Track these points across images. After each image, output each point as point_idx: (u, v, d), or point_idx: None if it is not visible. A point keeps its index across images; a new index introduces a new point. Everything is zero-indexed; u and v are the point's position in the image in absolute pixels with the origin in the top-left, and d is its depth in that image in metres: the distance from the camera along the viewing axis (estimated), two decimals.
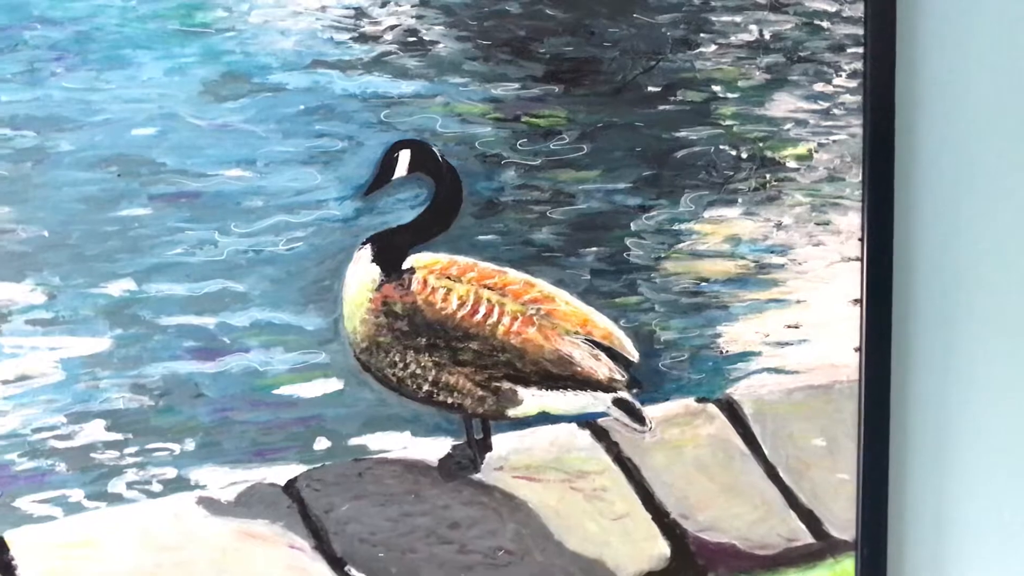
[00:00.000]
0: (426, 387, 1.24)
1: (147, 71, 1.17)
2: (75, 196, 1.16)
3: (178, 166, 1.18)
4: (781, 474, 1.31)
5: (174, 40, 1.17)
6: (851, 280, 1.31)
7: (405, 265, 1.23)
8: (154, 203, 1.18)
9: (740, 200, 1.29)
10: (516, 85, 1.24)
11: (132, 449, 1.18)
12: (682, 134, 1.27)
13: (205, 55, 1.18)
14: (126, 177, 1.17)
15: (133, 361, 1.18)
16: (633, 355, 1.27)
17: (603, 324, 1.26)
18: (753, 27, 1.28)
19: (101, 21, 1.16)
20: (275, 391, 1.21)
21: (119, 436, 1.18)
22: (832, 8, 1.30)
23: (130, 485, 1.18)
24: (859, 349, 1.31)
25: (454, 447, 1.25)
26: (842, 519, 1.33)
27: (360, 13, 1.22)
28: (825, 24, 1.29)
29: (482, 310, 1.23)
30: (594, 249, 1.27)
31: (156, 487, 1.19)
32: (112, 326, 1.18)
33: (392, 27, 1.22)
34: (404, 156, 1.21)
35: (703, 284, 1.29)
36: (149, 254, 1.18)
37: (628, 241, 1.27)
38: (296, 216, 1.21)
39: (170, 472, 1.19)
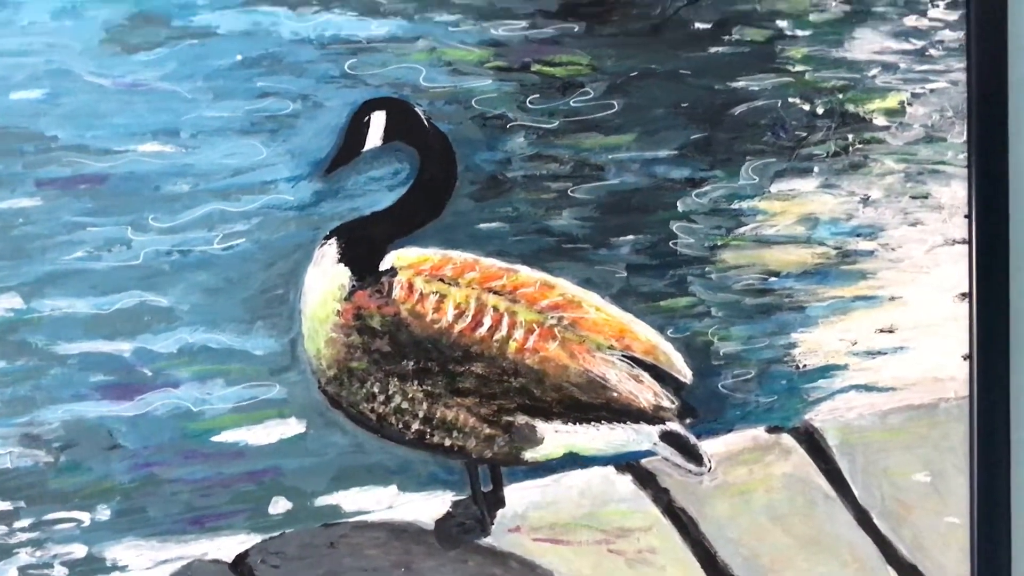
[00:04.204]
0: (416, 425, 1.00)
1: (28, 13, 0.94)
2: None
3: (75, 140, 0.96)
4: (875, 520, 1.11)
5: None
6: (957, 270, 1.07)
7: (383, 265, 1.01)
8: (44, 191, 0.96)
9: (816, 169, 1.07)
10: (523, 23, 1.01)
11: (25, 522, 0.98)
12: (740, 84, 1.05)
13: None
14: (4, 157, 0.95)
15: (23, 404, 0.97)
16: (685, 375, 1.04)
17: (645, 335, 1.03)
18: None
19: None
20: (214, 438, 1.00)
21: (7, 505, 0.97)
22: None
23: (24, 570, 0.97)
24: (969, 357, 1.07)
25: (455, 504, 1.05)
26: (953, 574, 1.10)
27: None
28: None
29: (487, 322, 0.99)
30: (631, 237, 1.04)
31: (59, 571, 0.98)
32: None
33: None
34: (377, 120, 0.99)
35: (772, 279, 1.07)
36: (40, 260, 0.96)
37: (675, 226, 1.05)
38: (235, 204, 0.98)
39: (78, 550, 0.99)
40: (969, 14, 1.05)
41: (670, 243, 1.05)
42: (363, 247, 0.99)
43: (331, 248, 0.98)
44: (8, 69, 0.94)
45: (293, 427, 1.01)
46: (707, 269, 1.05)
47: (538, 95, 1.03)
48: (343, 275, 0.98)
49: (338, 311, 0.98)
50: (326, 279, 0.98)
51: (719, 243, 1.06)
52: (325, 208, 0.99)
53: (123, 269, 0.97)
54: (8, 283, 0.96)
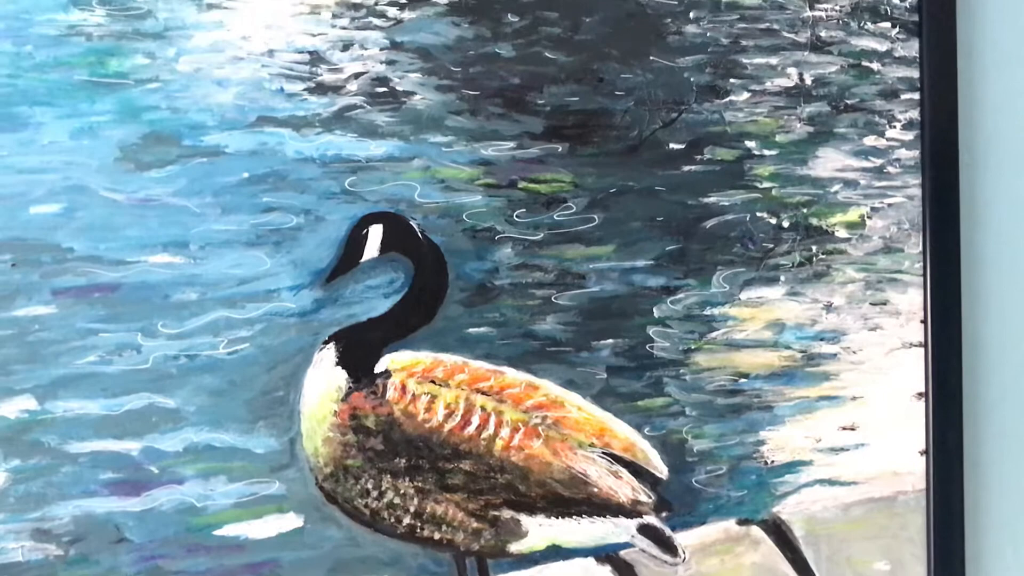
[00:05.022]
0: (407, 520, 0.98)
1: (48, 133, 0.94)
2: None
3: (89, 252, 0.95)
4: None
5: (82, 94, 0.95)
6: (914, 370, 1.06)
7: (378, 368, 0.99)
8: (59, 299, 0.95)
9: (782, 278, 1.04)
10: (511, 144, 1.01)
11: None
12: (711, 200, 1.04)
13: (122, 112, 0.96)
14: (23, 267, 0.94)
15: (35, 500, 0.95)
16: (661, 470, 1.03)
17: (624, 433, 1.02)
18: (792, 70, 1.04)
19: None
20: (217, 531, 0.98)
21: None
22: (883, 47, 1.05)
23: None
24: (926, 452, 1.07)
25: None
26: None
27: (317, 58, 0.97)
28: (875, 66, 1.05)
29: (475, 421, 0.99)
30: (610, 341, 1.02)
31: None
32: (7, 456, 0.94)
33: (357, 75, 0.98)
34: (375, 233, 0.99)
35: (742, 381, 1.04)
36: (54, 364, 0.95)
37: (651, 331, 1.03)
38: (240, 311, 0.97)
39: None
40: (924, 135, 1.06)
41: (647, 347, 1.03)
42: (359, 351, 0.98)
43: (329, 352, 0.97)
44: (28, 185, 0.93)
45: (291, 521, 0.98)
46: (681, 371, 1.03)
47: (524, 209, 1.01)
48: (340, 378, 0.97)
49: (335, 411, 0.97)
50: (324, 381, 0.97)
51: (693, 347, 1.03)
52: (324, 315, 0.97)
53: (133, 373, 0.95)
54: (24, 385, 0.93)
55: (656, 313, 1.03)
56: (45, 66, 0.93)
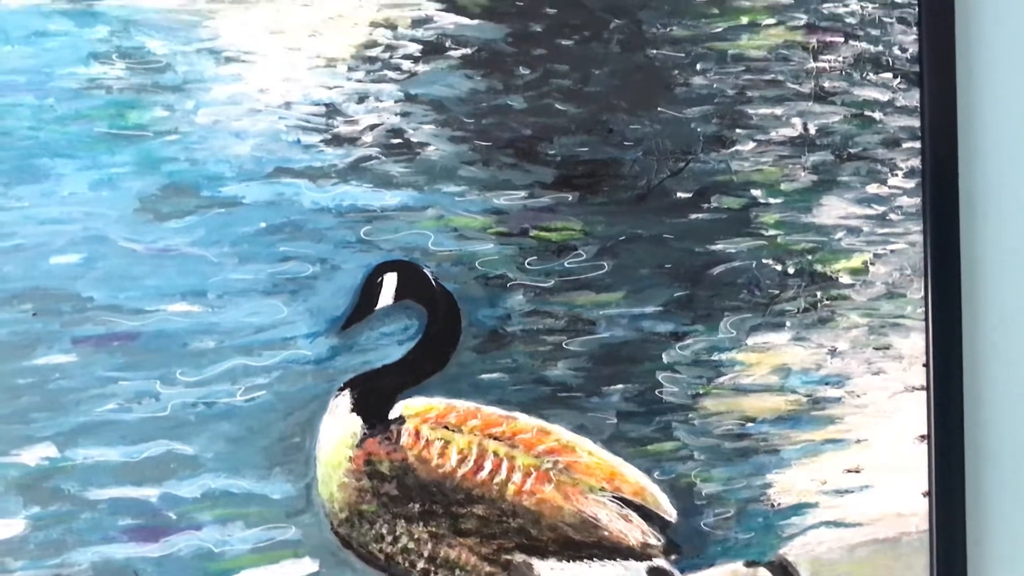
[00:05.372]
0: (421, 564, 0.98)
1: (68, 184, 0.95)
2: None
3: (109, 301, 0.96)
4: None
5: (102, 146, 0.96)
6: (917, 413, 1.06)
7: (392, 414, 0.99)
8: (79, 348, 0.95)
9: (788, 323, 1.04)
10: (522, 193, 1.01)
11: None
12: (718, 247, 1.03)
13: (141, 164, 0.96)
14: (43, 316, 0.95)
15: (55, 546, 0.94)
16: (670, 514, 1.02)
17: (633, 478, 1.01)
18: (796, 120, 1.04)
19: (9, 124, 0.96)
20: None
21: None
22: (884, 97, 1.06)
23: None
24: (928, 494, 1.06)
25: None
26: None
27: (333, 110, 0.98)
28: (877, 115, 1.06)
29: (487, 466, 0.99)
30: (620, 386, 1.02)
31: None
32: (27, 503, 0.94)
33: (372, 127, 0.99)
34: (389, 281, 0.99)
35: (749, 425, 1.04)
36: (74, 412, 0.95)
37: (660, 376, 1.02)
38: (257, 359, 0.98)
39: None
40: (924, 183, 1.06)
41: (656, 392, 1.02)
42: (374, 397, 0.98)
43: (344, 399, 0.97)
44: (49, 236, 0.93)
45: (307, 566, 0.97)
46: (690, 416, 1.02)
47: (535, 257, 1.00)
48: (355, 424, 0.97)
49: (350, 457, 0.97)
50: (340, 428, 0.97)
51: (701, 392, 1.03)
52: (340, 362, 0.97)
53: (152, 420, 0.95)
54: (44, 433, 0.93)
55: (665, 359, 1.02)
56: (66, 118, 0.94)
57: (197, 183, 0.95)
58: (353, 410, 0.97)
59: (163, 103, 0.95)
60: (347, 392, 0.97)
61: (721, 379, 1.04)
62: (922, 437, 1.07)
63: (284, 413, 0.97)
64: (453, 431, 0.99)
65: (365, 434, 0.98)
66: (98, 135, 0.94)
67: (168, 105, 0.95)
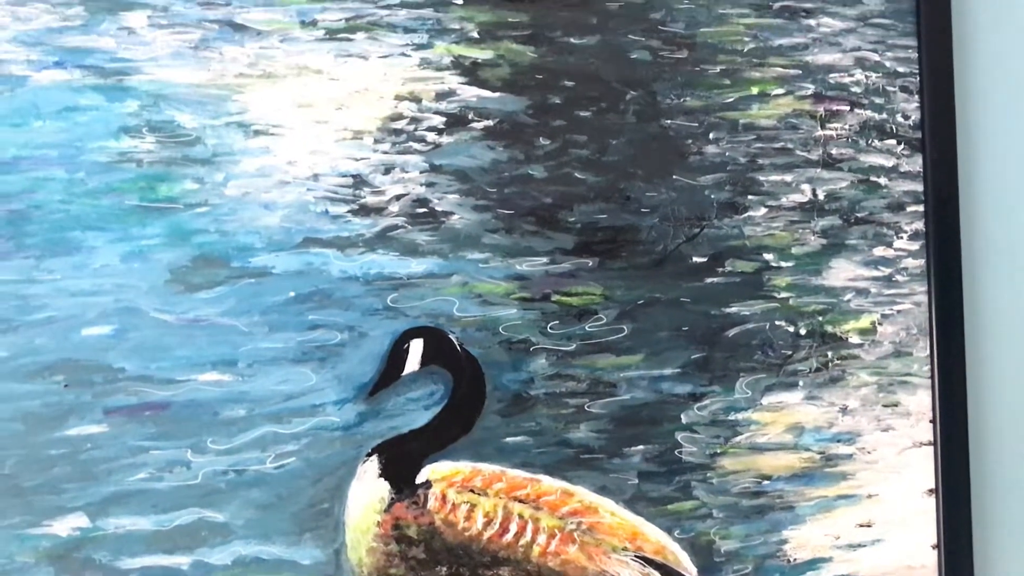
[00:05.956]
0: None
1: (100, 257, 0.95)
2: (10, 414, 0.92)
3: (140, 372, 0.95)
4: None
5: (133, 218, 0.96)
6: (925, 468, 1.09)
7: (420, 478, 0.99)
8: (111, 418, 0.94)
9: (801, 383, 1.07)
10: (544, 259, 1.02)
11: None
12: (733, 309, 1.06)
13: (172, 236, 0.96)
14: (75, 388, 0.94)
15: None
16: (690, 571, 1.04)
17: (655, 537, 1.03)
18: (805, 186, 1.07)
19: (41, 197, 0.95)
20: None
21: None
22: (889, 163, 1.09)
23: None
24: (937, 547, 1.08)
25: None
26: None
27: (360, 181, 0.99)
28: (883, 180, 1.09)
29: (513, 528, 0.99)
30: (641, 447, 1.03)
31: None
32: (59, 573, 0.92)
33: (398, 197, 1.00)
34: (416, 347, 0.99)
35: (765, 482, 1.06)
36: (105, 481, 0.94)
37: (679, 436, 1.04)
38: (287, 426, 0.98)
39: None
40: (928, 245, 1.09)
41: (675, 452, 1.03)
42: (401, 463, 0.98)
43: (372, 464, 0.97)
44: (81, 308, 0.92)
45: None
46: (708, 475, 1.04)
47: (557, 321, 1.01)
48: (383, 489, 0.97)
49: (378, 522, 0.97)
50: (368, 493, 0.97)
51: (718, 451, 1.04)
52: (368, 428, 0.97)
53: (183, 488, 0.94)
54: (75, 503, 0.91)
55: (684, 419, 1.04)
56: (97, 192, 0.94)
57: (227, 254, 0.95)
58: (381, 475, 0.97)
59: (193, 176, 0.95)
60: (375, 458, 0.97)
61: (738, 438, 1.05)
62: (930, 491, 1.09)
63: (313, 479, 0.96)
64: (479, 494, 0.99)
65: (393, 499, 0.98)
66: (129, 208, 0.94)
67: (198, 178, 0.95)
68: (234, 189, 0.96)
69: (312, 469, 0.97)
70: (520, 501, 1.00)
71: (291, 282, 0.97)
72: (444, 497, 0.99)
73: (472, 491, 0.99)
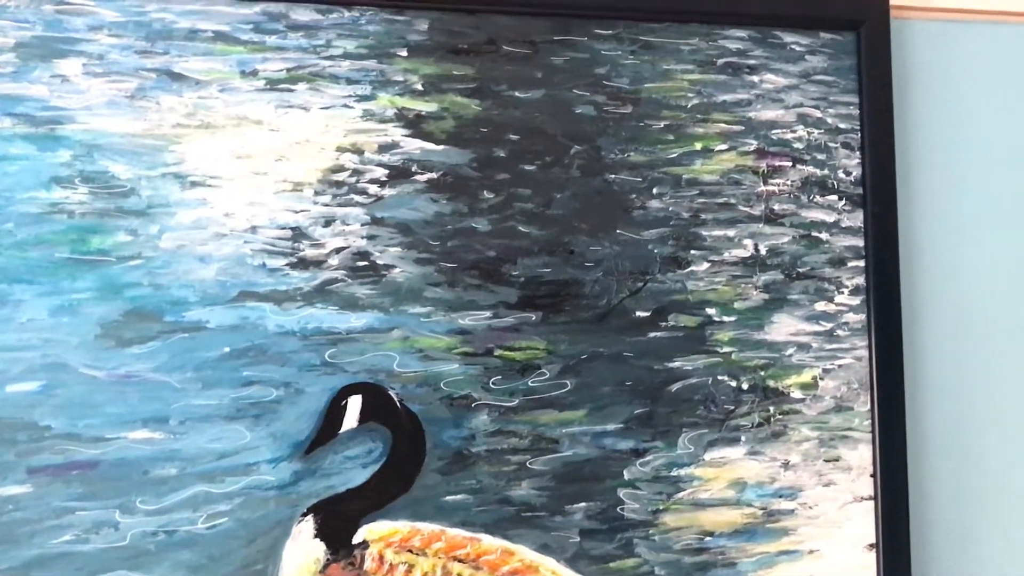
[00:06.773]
0: None
1: (27, 311, 0.92)
2: None
3: (67, 429, 0.92)
4: None
5: (63, 271, 0.93)
6: (866, 523, 1.07)
7: (356, 539, 0.96)
8: (35, 478, 0.91)
9: (743, 438, 1.05)
10: (487, 313, 1.00)
11: None
12: (676, 364, 1.04)
13: (103, 289, 0.93)
14: None
15: None
16: None
17: None
18: (748, 241, 1.06)
19: None
20: None
21: None
22: (830, 218, 1.08)
23: None
24: None
25: None
26: None
27: (299, 234, 0.96)
28: (824, 236, 1.08)
29: None
30: (583, 505, 1.01)
31: None
32: None
33: (338, 250, 0.97)
34: (354, 403, 0.97)
35: (707, 539, 1.03)
36: (27, 544, 0.91)
37: (621, 493, 1.02)
38: (219, 485, 0.94)
39: None
40: (869, 300, 1.08)
41: (618, 508, 1.01)
42: (338, 522, 0.95)
43: (308, 524, 0.94)
44: (5, 363, 0.89)
45: None
46: (651, 532, 1.01)
47: (500, 376, 0.99)
48: (319, 550, 0.94)
49: None
50: (303, 554, 0.94)
51: (661, 507, 1.02)
52: (303, 487, 0.94)
53: (110, 551, 0.90)
54: None
55: (626, 475, 1.02)
56: (26, 244, 0.91)
57: (160, 308, 0.93)
58: (316, 535, 0.94)
59: (126, 228, 0.92)
60: (310, 517, 0.94)
61: (680, 494, 1.03)
62: (871, 546, 1.07)
63: (246, 540, 0.93)
64: (417, 554, 0.96)
65: (329, 560, 0.95)
66: (59, 260, 0.91)
67: (131, 230, 0.92)
68: (169, 241, 0.93)
69: (245, 529, 0.93)
70: (460, 561, 0.97)
71: (226, 337, 0.94)
72: (382, 558, 0.96)
73: (410, 551, 0.96)
